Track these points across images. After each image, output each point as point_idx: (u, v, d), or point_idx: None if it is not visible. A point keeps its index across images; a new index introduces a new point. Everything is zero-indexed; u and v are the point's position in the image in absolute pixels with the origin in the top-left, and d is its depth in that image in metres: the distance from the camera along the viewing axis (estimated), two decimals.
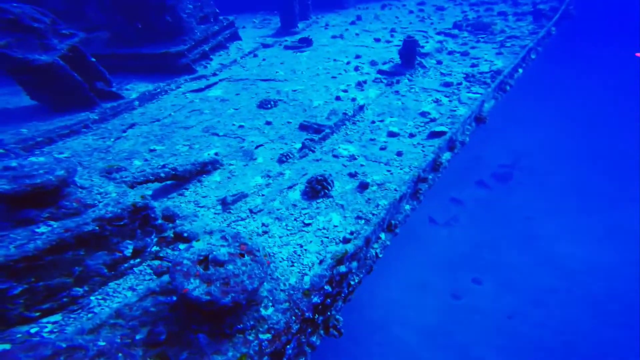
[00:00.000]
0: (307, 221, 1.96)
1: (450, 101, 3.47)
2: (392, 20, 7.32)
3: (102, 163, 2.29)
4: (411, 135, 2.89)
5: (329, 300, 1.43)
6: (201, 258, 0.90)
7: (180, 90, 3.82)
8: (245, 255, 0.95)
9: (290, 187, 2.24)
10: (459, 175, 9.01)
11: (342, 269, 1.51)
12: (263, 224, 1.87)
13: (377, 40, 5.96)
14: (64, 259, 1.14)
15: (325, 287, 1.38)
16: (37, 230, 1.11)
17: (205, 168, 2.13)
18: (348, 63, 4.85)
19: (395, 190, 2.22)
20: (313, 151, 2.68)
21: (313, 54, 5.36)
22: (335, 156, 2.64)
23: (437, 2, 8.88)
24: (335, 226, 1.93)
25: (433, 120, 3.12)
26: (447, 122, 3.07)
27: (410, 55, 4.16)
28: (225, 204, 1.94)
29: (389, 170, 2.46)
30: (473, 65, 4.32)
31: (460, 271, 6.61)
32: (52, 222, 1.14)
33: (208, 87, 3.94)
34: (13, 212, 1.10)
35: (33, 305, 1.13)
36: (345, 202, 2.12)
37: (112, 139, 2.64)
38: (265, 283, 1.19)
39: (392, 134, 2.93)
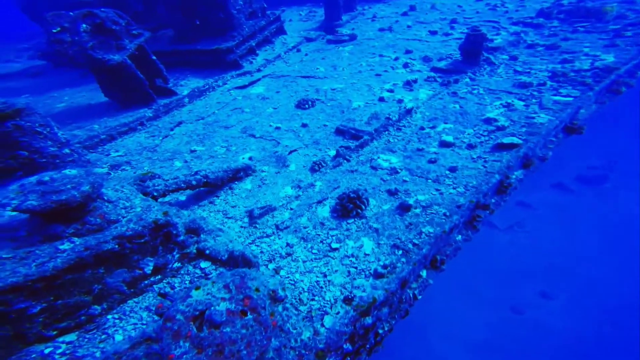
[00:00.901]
0: (334, 245, 1.72)
1: (526, 106, 2.79)
2: (453, 10, 6.42)
3: (148, 164, 2.41)
4: (470, 147, 2.39)
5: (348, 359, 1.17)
6: (197, 314, 0.76)
7: (227, 86, 3.92)
8: (248, 314, 0.77)
9: (320, 202, 2.02)
10: (530, 176, 7.64)
11: (368, 320, 1.23)
12: (288, 244, 1.70)
13: (433, 33, 5.26)
14: (84, 278, 1.14)
15: (345, 346, 1.13)
16: (60, 247, 1.11)
17: (238, 174, 2.07)
18: (396, 59, 4.36)
19: (445, 216, 1.82)
20: (348, 160, 2.41)
21: (356, 49, 4.99)
22: (373, 168, 2.33)
23: None
24: (367, 254, 1.65)
25: (501, 128, 2.53)
26: (520, 131, 2.46)
27: (474, 49, 3.50)
28: (252, 217, 1.84)
29: (438, 190, 2.05)
30: (565, 62, 3.43)
31: (525, 283, 5.36)
32: (75, 239, 1.14)
33: (251, 83, 3.97)
34: (45, 226, 1.12)
35: (51, 324, 1.12)
36: (380, 225, 1.82)
37: (160, 138, 2.78)
38: (272, 338, 0.99)
39: (445, 144, 2.47)
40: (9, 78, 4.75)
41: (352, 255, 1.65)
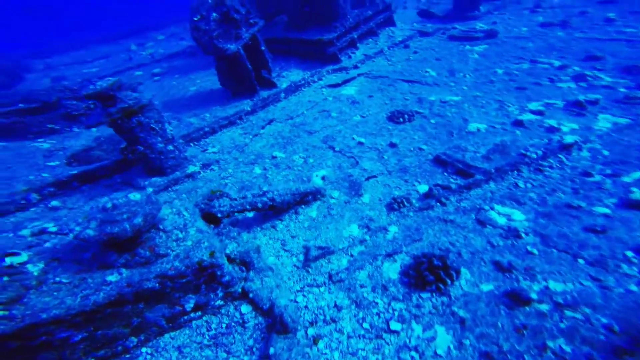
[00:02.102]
0: (394, 324, 1.61)
1: None
2: None
3: (233, 166, 3.01)
4: None
5: None
6: None
7: (321, 82, 4.55)
8: None
9: (389, 255, 1.97)
10: None
11: None
12: (336, 304, 1.74)
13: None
14: (123, 312, 1.48)
15: None
16: (107, 278, 1.49)
17: (306, 198, 2.36)
18: (562, 67, 3.86)
19: (610, 331, 1.44)
20: (443, 204, 2.28)
21: (492, 50, 4.73)
22: (480, 222, 2.11)
23: None
24: (438, 355, 1.48)
25: None
26: None
27: None
28: (307, 258, 2.02)
29: (597, 280, 1.64)
30: None
31: None
32: (123, 270, 1.51)
33: (345, 82, 4.43)
34: (104, 252, 1.54)
35: (90, 352, 1.45)
36: (470, 315, 1.60)
37: (251, 136, 3.45)
38: None
39: (633, 205, 1.99)
40: (175, 57, 7.11)
41: (416, 349, 1.51)
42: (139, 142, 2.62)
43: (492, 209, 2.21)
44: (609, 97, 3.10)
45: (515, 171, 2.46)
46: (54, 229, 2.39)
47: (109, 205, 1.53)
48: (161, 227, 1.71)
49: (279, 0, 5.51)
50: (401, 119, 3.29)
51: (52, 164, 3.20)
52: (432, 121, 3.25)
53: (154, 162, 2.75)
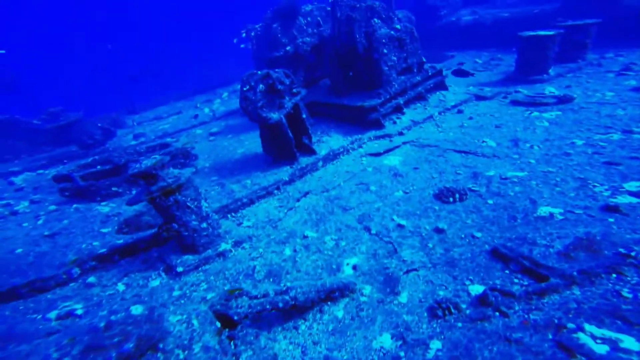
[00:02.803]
0: None
1: None
2: None
3: (264, 243, 3.16)
4: None
5: None
6: None
7: (361, 150, 4.85)
8: None
9: None
10: None
11: None
12: None
13: None
14: None
15: None
16: None
17: (332, 295, 2.35)
18: None
19: None
20: (505, 315, 2.00)
21: (567, 118, 4.68)
22: (565, 349, 1.77)
23: None
24: None
25: None
26: None
27: None
28: None
29: None
30: None
31: None
32: None
33: (387, 151, 4.65)
34: None
35: None
36: None
37: (285, 210, 3.69)
38: None
39: None
40: (232, 115, 8.39)
41: None
42: (175, 220, 2.94)
43: (581, 329, 1.87)
44: None
45: (611, 275, 2.15)
46: (80, 312, 2.65)
47: (102, 325, 1.63)
48: (161, 346, 1.75)
49: (324, 65, 6.39)
50: (451, 198, 3.21)
51: (105, 230, 3.69)
52: (490, 202, 3.11)
53: (187, 240, 3.04)
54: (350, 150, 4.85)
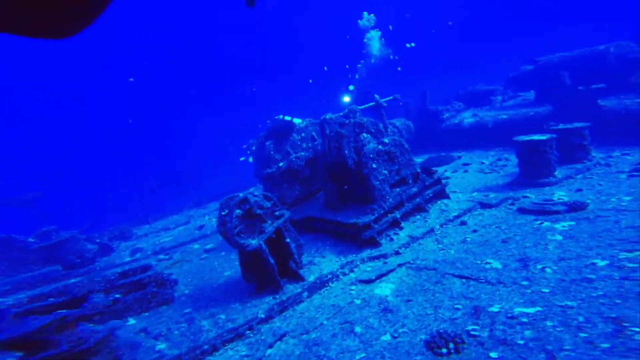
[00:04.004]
0: None
1: None
2: None
3: None
4: None
5: None
6: None
7: (352, 276, 4.31)
8: None
9: None
10: None
11: None
12: None
13: None
14: None
15: None
16: None
17: None
18: None
19: None
20: None
21: (582, 229, 4.04)
22: None
23: None
24: None
25: None
26: None
27: None
28: None
29: None
30: None
31: None
32: None
33: (380, 277, 4.09)
34: None
35: None
36: None
37: None
38: None
39: None
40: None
41: None
42: None
43: None
44: None
45: None
46: None
47: None
48: None
49: (319, 179, 6.38)
50: (444, 349, 2.54)
51: None
52: (493, 355, 2.42)
53: None
54: (341, 276, 4.36)
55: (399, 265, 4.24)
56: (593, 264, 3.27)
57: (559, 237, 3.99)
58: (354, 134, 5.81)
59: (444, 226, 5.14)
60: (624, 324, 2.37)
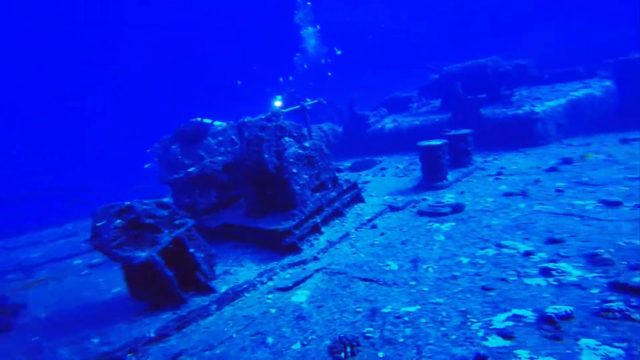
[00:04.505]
0: None
1: None
2: None
3: None
4: None
5: None
6: None
7: (271, 284, 4.27)
8: None
9: None
10: None
11: None
12: None
13: (612, 204, 4.48)
14: None
15: None
16: None
17: None
18: (527, 254, 3.71)
19: None
20: None
21: (459, 229, 4.81)
22: None
23: None
24: None
25: None
26: None
27: None
28: None
29: None
30: None
31: None
32: None
33: (298, 283, 4.19)
34: None
35: None
36: None
37: None
38: None
39: None
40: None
41: None
42: None
43: None
44: (583, 306, 2.70)
45: None
46: None
47: None
48: None
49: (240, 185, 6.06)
50: (342, 353, 2.91)
51: None
52: (380, 355, 2.83)
53: None
54: (259, 285, 4.37)
55: (316, 270, 4.48)
56: (460, 262, 3.92)
57: (442, 238, 4.66)
58: (276, 138, 5.68)
59: (359, 230, 5.54)
60: (468, 316, 2.95)
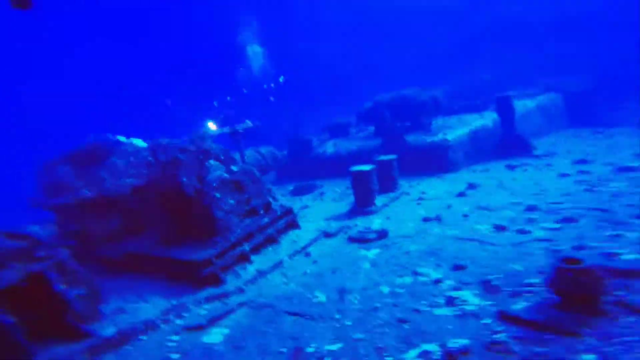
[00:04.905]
0: None
1: None
2: (528, 189, 6.51)
3: None
4: None
5: None
6: None
7: (179, 323, 3.73)
8: None
9: None
10: None
11: None
12: None
13: (500, 228, 5.05)
14: None
15: None
16: None
17: None
18: (437, 281, 3.94)
19: None
20: None
21: (382, 256, 4.92)
22: None
23: (610, 157, 7.46)
24: None
25: None
26: None
27: (585, 295, 2.74)
28: None
29: None
30: None
31: None
32: None
33: (214, 320, 3.75)
34: None
35: None
36: None
37: None
38: None
39: None
40: None
41: None
42: None
43: None
44: (478, 338, 2.84)
45: None
46: None
47: None
48: None
49: (151, 211, 5.38)
50: None
51: None
52: None
53: None
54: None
55: (240, 304, 4.13)
56: (381, 291, 3.98)
57: (368, 266, 4.72)
58: (198, 162, 5.26)
59: (292, 257, 5.35)
60: (384, 354, 2.96)
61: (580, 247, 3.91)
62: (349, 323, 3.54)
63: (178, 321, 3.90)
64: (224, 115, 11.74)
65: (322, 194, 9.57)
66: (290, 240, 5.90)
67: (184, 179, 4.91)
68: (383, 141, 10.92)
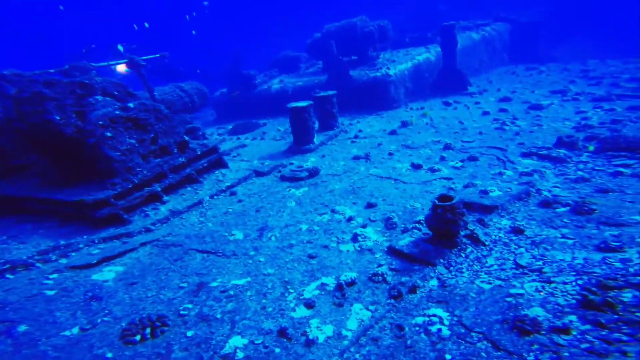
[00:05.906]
0: None
1: None
2: (452, 128, 6.62)
3: None
4: None
5: None
6: None
7: (63, 262, 3.46)
8: None
9: None
10: None
11: None
12: None
13: (417, 167, 5.13)
14: None
15: None
16: None
17: None
18: (350, 219, 3.98)
19: None
20: None
21: (309, 194, 4.86)
22: None
23: (530, 95, 7.71)
24: None
25: None
26: None
27: (444, 230, 2.91)
28: None
29: None
30: (609, 250, 2.54)
31: None
32: None
33: (108, 259, 3.49)
34: None
35: None
36: None
37: None
38: None
39: None
40: None
41: None
42: None
43: None
44: (365, 271, 2.92)
45: None
46: None
47: None
48: None
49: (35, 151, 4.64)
50: (138, 336, 2.38)
51: None
52: (189, 334, 2.49)
53: None
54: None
55: (143, 244, 3.88)
56: (300, 229, 3.93)
57: (293, 204, 4.61)
58: (75, 96, 4.51)
59: (215, 197, 5.04)
60: (288, 287, 2.95)
61: (468, 185, 4.13)
62: (262, 260, 3.46)
63: (62, 260, 3.59)
64: (126, 47, 9.65)
65: (264, 133, 8.97)
66: (214, 180, 5.50)
67: (57, 117, 4.12)
68: (329, 77, 10.13)
